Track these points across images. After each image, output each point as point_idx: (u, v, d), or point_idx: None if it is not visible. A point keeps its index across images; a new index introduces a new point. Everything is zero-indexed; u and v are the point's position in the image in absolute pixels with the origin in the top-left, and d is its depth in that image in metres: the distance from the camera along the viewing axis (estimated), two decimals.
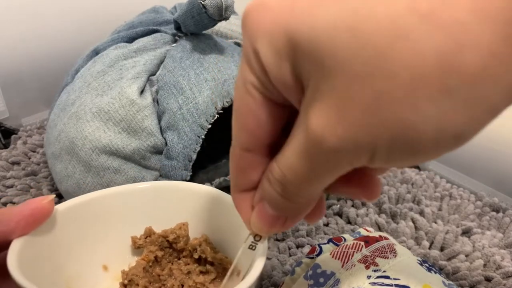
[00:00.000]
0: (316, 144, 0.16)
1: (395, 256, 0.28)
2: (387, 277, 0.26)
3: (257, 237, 0.24)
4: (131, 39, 0.45)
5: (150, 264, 0.32)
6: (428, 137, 0.14)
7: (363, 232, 0.32)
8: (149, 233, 0.32)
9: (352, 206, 0.45)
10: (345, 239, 0.30)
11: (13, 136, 0.57)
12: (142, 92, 0.41)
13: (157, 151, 0.41)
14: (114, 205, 0.32)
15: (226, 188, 0.53)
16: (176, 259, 0.33)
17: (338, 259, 0.28)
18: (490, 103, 0.13)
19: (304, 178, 0.18)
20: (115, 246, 0.32)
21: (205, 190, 0.32)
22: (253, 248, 0.24)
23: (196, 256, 0.32)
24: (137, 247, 0.32)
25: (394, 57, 0.13)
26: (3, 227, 0.25)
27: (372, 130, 0.14)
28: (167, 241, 0.32)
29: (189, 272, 0.31)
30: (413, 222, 0.43)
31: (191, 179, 0.42)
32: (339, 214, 0.45)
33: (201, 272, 0.32)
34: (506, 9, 0.12)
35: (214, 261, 0.31)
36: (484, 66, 0.13)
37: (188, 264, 0.32)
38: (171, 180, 0.40)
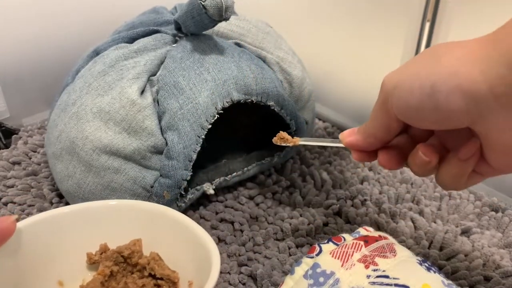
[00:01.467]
0: None
1: (395, 255, 0.28)
2: (387, 277, 0.26)
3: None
4: (131, 40, 0.45)
5: (106, 278, 0.33)
6: None
7: (363, 231, 0.32)
8: (104, 249, 0.34)
9: (352, 205, 0.46)
10: (344, 239, 0.30)
11: (13, 136, 0.57)
12: (142, 92, 0.41)
13: (158, 151, 0.41)
14: (70, 223, 0.33)
15: (226, 188, 0.53)
16: (130, 274, 0.34)
17: (338, 258, 0.28)
18: None
19: None
20: (71, 262, 0.34)
21: (157, 208, 0.34)
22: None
23: (146, 273, 0.33)
24: (92, 263, 0.34)
25: None
26: None
27: None
28: (122, 256, 0.34)
29: (143, 285, 0.33)
30: (413, 221, 0.43)
31: (191, 179, 0.42)
32: (339, 213, 0.45)
33: (155, 285, 0.33)
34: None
35: (163, 276, 0.33)
36: None
37: (143, 277, 0.34)
38: (171, 180, 0.40)
